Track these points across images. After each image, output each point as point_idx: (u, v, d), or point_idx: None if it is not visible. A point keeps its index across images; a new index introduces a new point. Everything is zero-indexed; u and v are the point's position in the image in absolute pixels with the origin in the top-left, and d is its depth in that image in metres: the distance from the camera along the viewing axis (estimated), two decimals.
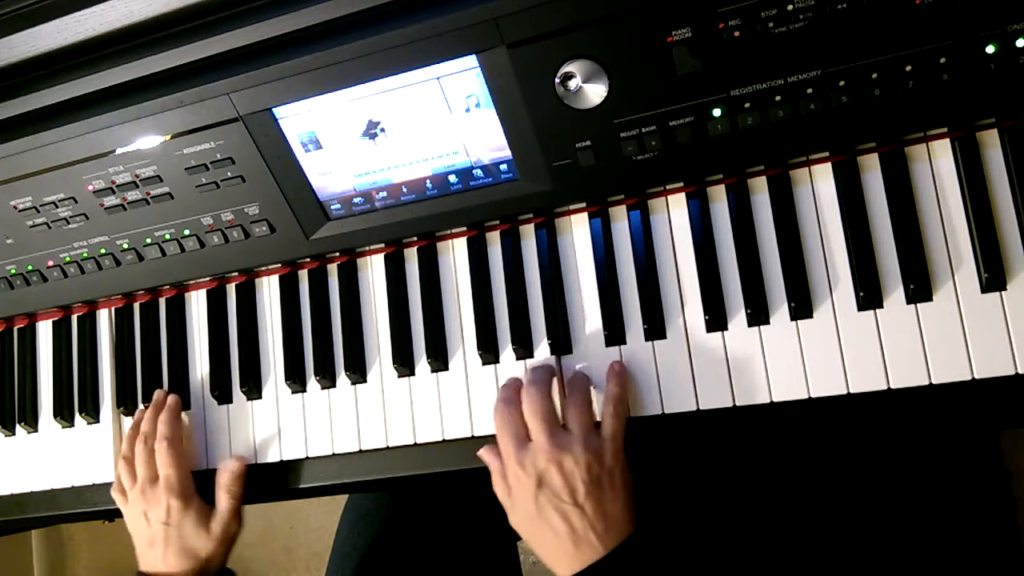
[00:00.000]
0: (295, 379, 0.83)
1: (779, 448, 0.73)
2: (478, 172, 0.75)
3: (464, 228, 0.80)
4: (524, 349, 0.76)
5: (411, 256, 0.82)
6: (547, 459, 0.66)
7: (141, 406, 0.88)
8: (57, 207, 0.82)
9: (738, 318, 0.71)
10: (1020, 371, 0.64)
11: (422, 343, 0.80)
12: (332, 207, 0.78)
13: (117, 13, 0.70)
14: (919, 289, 0.66)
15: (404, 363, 0.80)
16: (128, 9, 0.70)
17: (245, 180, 0.77)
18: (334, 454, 0.81)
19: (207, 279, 0.88)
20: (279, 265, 0.86)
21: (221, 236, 0.80)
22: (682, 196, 0.74)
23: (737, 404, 0.70)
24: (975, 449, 0.84)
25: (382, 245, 0.83)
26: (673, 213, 0.74)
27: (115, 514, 0.91)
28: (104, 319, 0.93)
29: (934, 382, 0.66)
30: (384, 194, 0.77)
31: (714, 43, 0.63)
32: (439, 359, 0.79)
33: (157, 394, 0.87)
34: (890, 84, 0.63)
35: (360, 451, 0.81)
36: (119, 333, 0.91)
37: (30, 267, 0.87)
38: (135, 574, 0.81)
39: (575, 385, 0.71)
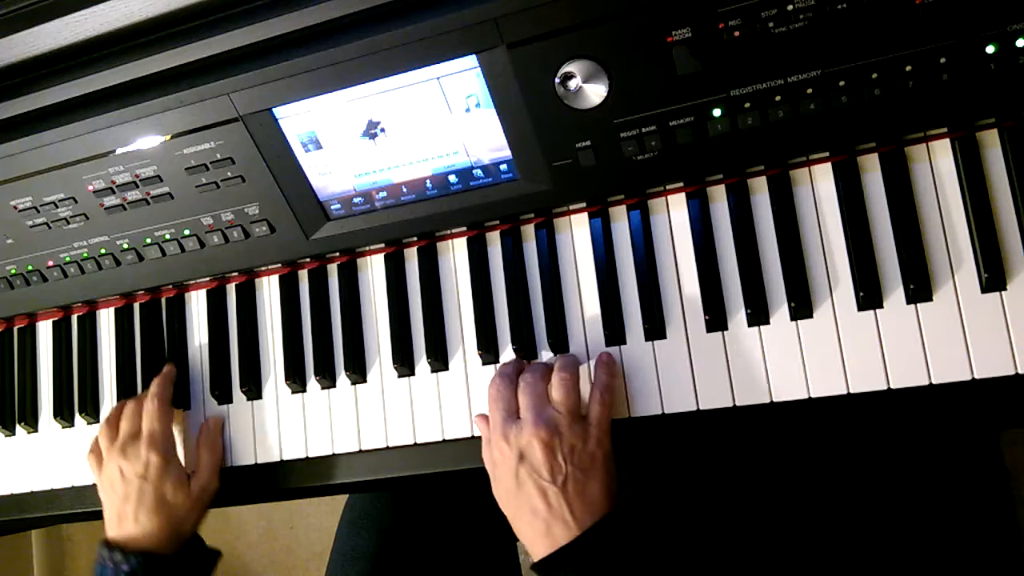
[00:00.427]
0: (295, 379, 0.83)
1: (779, 448, 0.73)
2: (478, 172, 0.75)
3: (464, 228, 0.80)
4: (524, 349, 0.76)
5: (411, 256, 0.82)
6: (531, 435, 0.66)
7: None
8: (57, 207, 0.82)
9: (738, 318, 0.71)
10: (1020, 371, 0.64)
11: (422, 343, 0.80)
12: (332, 207, 0.78)
13: (117, 13, 0.70)
14: (919, 289, 0.66)
15: (404, 363, 0.80)
16: (128, 9, 0.70)
17: (245, 180, 0.77)
18: (334, 454, 0.81)
19: (207, 279, 0.88)
20: (279, 265, 0.86)
21: (221, 236, 0.80)
22: (682, 196, 0.74)
23: (737, 404, 0.70)
24: (975, 449, 0.84)
25: (382, 245, 0.83)
26: (673, 213, 0.74)
27: None
28: (104, 319, 0.93)
29: (934, 382, 0.66)
30: (384, 194, 0.77)
31: (714, 43, 0.63)
32: (439, 359, 0.79)
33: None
34: (890, 84, 0.63)
35: (360, 451, 0.81)
36: (119, 333, 0.91)
37: (30, 267, 0.87)
38: (100, 541, 0.78)
39: (564, 367, 0.71)
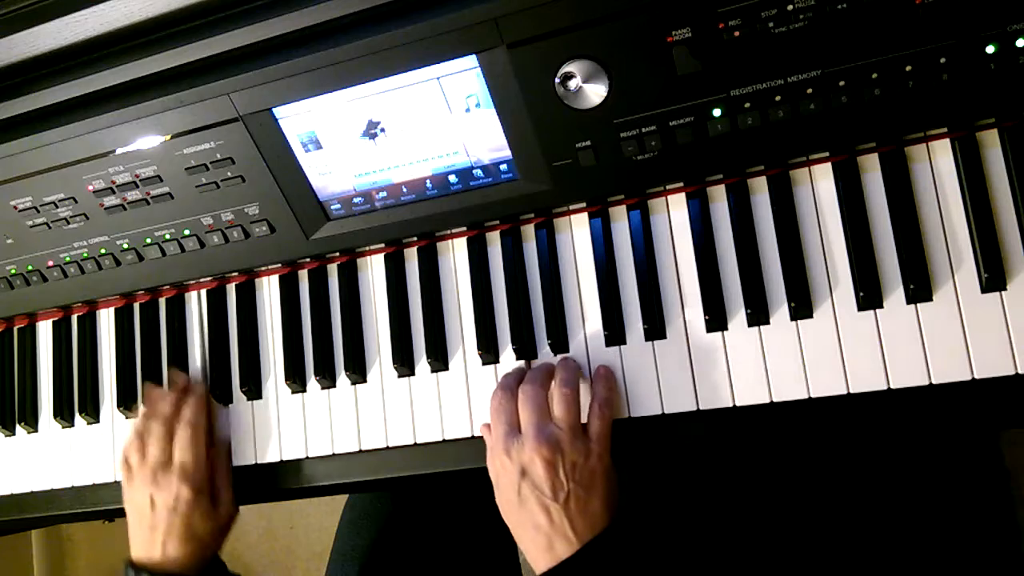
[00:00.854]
0: (295, 379, 0.83)
1: (779, 448, 0.73)
2: (478, 172, 0.75)
3: (464, 228, 0.80)
4: (524, 349, 0.76)
5: (411, 256, 0.82)
6: (533, 451, 0.66)
7: (151, 384, 0.87)
8: (57, 207, 0.82)
9: (738, 318, 0.71)
10: (1020, 371, 0.64)
11: (422, 343, 0.80)
12: (332, 207, 0.78)
13: (117, 13, 0.70)
14: (919, 289, 0.66)
15: (404, 363, 0.80)
16: (128, 9, 0.70)
17: (245, 180, 0.77)
18: (334, 454, 0.81)
19: (207, 279, 0.88)
20: (279, 265, 0.86)
21: (221, 236, 0.80)
22: (682, 196, 0.74)
23: (737, 404, 0.70)
24: (975, 449, 0.84)
25: (382, 245, 0.83)
26: (673, 213, 0.74)
27: (115, 514, 0.91)
28: (104, 319, 0.93)
29: (934, 382, 0.66)
30: (384, 194, 0.77)
31: (714, 43, 0.63)
32: (439, 359, 0.79)
33: (173, 374, 0.85)
34: (890, 84, 0.63)
35: (360, 451, 0.81)
36: (119, 333, 0.91)
37: (30, 267, 0.87)
38: (125, 562, 0.79)
39: (565, 382, 0.71)
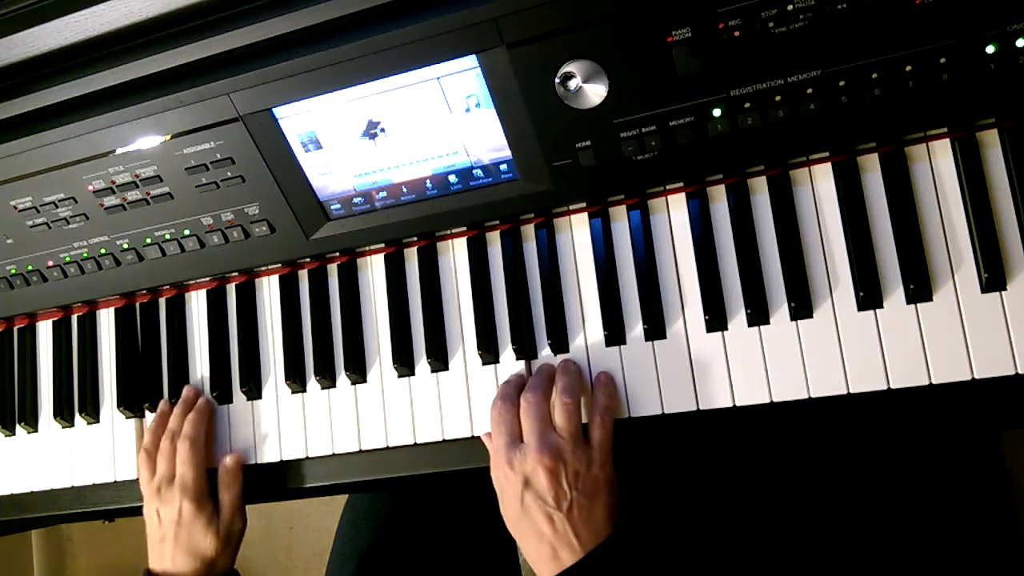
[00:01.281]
0: (295, 379, 0.83)
1: (779, 448, 0.73)
2: (478, 172, 0.75)
3: (464, 228, 0.80)
4: (524, 349, 0.76)
5: (411, 256, 0.82)
6: (535, 462, 0.67)
7: (165, 397, 0.88)
8: (57, 207, 0.82)
9: (738, 318, 0.71)
10: (1020, 371, 0.64)
11: (422, 343, 0.80)
12: (332, 207, 0.78)
13: (117, 13, 0.70)
14: (919, 289, 0.66)
15: (404, 363, 0.80)
16: (128, 9, 0.70)
17: (245, 180, 0.77)
18: (334, 454, 0.81)
19: (207, 279, 0.88)
20: (279, 265, 0.86)
21: (221, 236, 0.80)
22: (682, 196, 0.74)
23: (737, 404, 0.70)
24: (975, 449, 0.84)
25: (382, 245, 0.83)
26: (673, 213, 0.74)
27: (115, 514, 0.91)
28: (104, 319, 0.93)
29: (934, 382, 0.66)
30: (384, 194, 0.77)
31: (714, 43, 0.63)
32: (439, 359, 0.79)
33: (186, 390, 0.86)
34: (890, 84, 0.63)
35: (360, 451, 0.81)
36: (119, 333, 0.91)
37: (30, 267, 0.87)
38: (143, 572, 0.81)
39: (567, 391, 0.71)
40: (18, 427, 0.94)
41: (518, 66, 0.67)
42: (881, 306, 0.68)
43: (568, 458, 0.67)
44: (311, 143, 0.74)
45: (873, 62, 0.62)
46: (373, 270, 0.83)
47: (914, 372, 0.66)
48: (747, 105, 0.65)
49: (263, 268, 0.86)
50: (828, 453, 0.85)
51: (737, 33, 0.63)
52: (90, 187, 0.80)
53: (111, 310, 0.93)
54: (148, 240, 0.82)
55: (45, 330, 0.95)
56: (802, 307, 0.69)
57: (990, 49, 0.61)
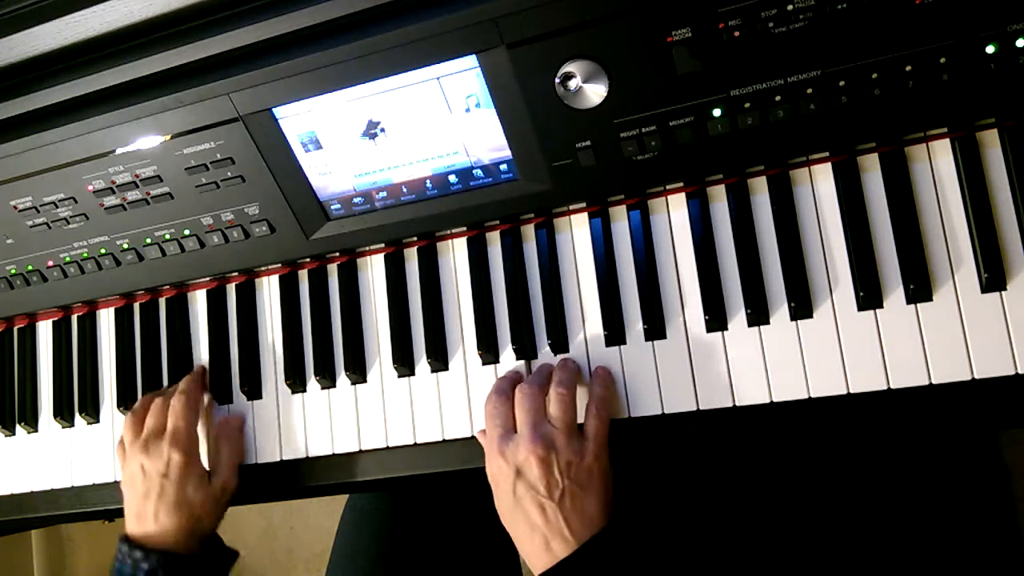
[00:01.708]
0: (295, 379, 0.83)
1: (779, 448, 0.73)
2: (478, 172, 0.75)
3: (464, 228, 0.80)
4: (524, 349, 0.76)
5: (411, 256, 0.82)
6: (528, 451, 0.66)
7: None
8: (57, 207, 0.82)
9: (738, 318, 0.71)
10: (1020, 371, 0.64)
11: (422, 343, 0.80)
12: (332, 207, 0.78)
13: (117, 13, 0.70)
14: (919, 289, 0.66)
15: (404, 363, 0.80)
16: (128, 9, 0.70)
17: (245, 180, 0.77)
18: (334, 454, 0.81)
19: (207, 279, 0.88)
20: (279, 265, 0.86)
21: (221, 236, 0.80)
22: (682, 196, 0.74)
23: (737, 404, 0.70)
24: (975, 449, 0.84)
25: (382, 245, 0.83)
26: (673, 213, 0.74)
27: (115, 514, 0.90)
28: (104, 319, 0.93)
29: (934, 382, 0.66)
30: (384, 194, 0.77)
31: (714, 43, 0.63)
32: (439, 359, 0.79)
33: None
34: (890, 84, 0.63)
35: (360, 451, 0.81)
36: (119, 333, 0.91)
37: (30, 267, 0.87)
38: (120, 537, 0.78)
39: (562, 383, 0.71)
40: (18, 427, 0.94)
41: (518, 66, 0.67)
42: (881, 306, 0.68)
43: (561, 448, 0.67)
44: (311, 143, 0.74)
45: (873, 62, 0.63)
46: (373, 270, 0.83)
47: (914, 372, 0.66)
48: (747, 105, 0.65)
49: (263, 268, 0.86)
50: (828, 453, 0.85)
51: (737, 33, 0.63)
52: (90, 187, 0.80)
53: (111, 310, 0.93)
54: (148, 240, 0.82)
55: (45, 330, 0.95)
56: (802, 307, 0.69)
57: (990, 49, 0.61)
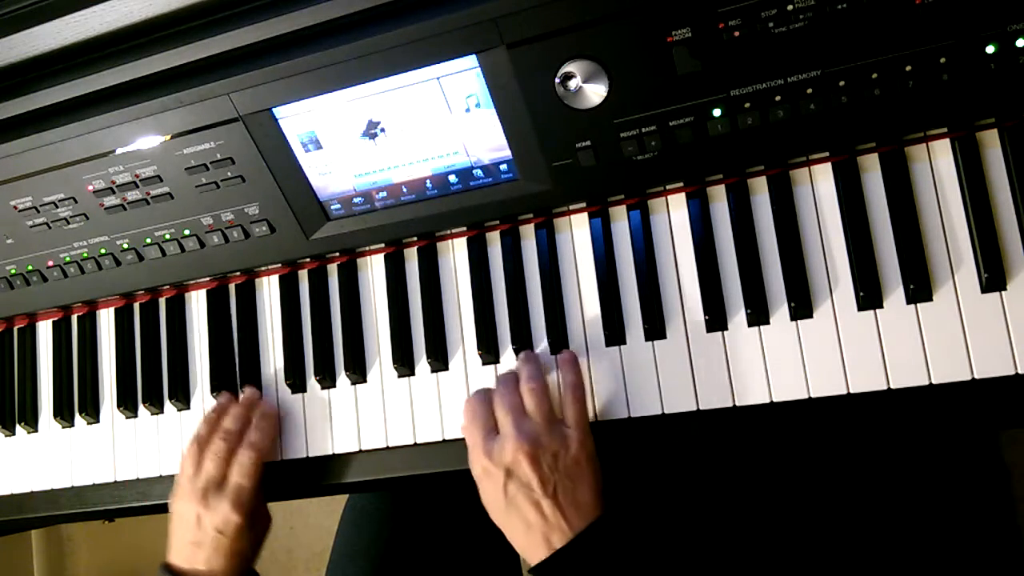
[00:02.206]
0: (295, 379, 0.83)
1: (779, 448, 0.73)
2: (478, 172, 0.75)
3: (464, 228, 0.80)
4: (524, 349, 0.76)
5: (411, 256, 0.82)
6: (514, 450, 0.66)
7: (226, 393, 0.84)
8: (57, 207, 0.82)
9: (738, 318, 0.71)
10: (1020, 371, 0.64)
11: (422, 343, 0.80)
12: (332, 207, 0.78)
13: (117, 13, 0.70)
14: (919, 289, 0.66)
15: (404, 363, 0.80)
16: (128, 9, 0.70)
17: (245, 180, 0.77)
18: (334, 454, 0.81)
19: (207, 279, 0.88)
20: (279, 265, 0.86)
21: (221, 236, 0.80)
22: (682, 196, 0.74)
23: (737, 404, 0.70)
24: (975, 449, 0.84)
25: (382, 245, 0.83)
26: (673, 213, 0.74)
27: (115, 514, 0.91)
28: (104, 319, 0.93)
29: (934, 382, 0.66)
30: (384, 194, 0.77)
31: (714, 43, 0.63)
32: (439, 359, 0.79)
33: (249, 391, 0.83)
34: (890, 84, 0.63)
35: (360, 451, 0.81)
36: (119, 333, 0.91)
37: (30, 267, 0.87)
38: (161, 565, 0.77)
39: (530, 377, 0.71)
40: (18, 427, 0.94)
41: (518, 66, 0.67)
42: (881, 306, 0.68)
43: (545, 441, 0.67)
44: (311, 143, 0.74)
45: (873, 62, 0.63)
46: (373, 270, 0.83)
47: (914, 372, 0.66)
48: (747, 105, 0.65)
49: (263, 268, 0.86)
50: (828, 453, 0.85)
51: (737, 33, 0.63)
52: (90, 187, 0.80)
53: (111, 310, 0.93)
54: (148, 240, 0.82)
55: (45, 330, 0.95)
56: (802, 307, 0.69)
57: (990, 49, 0.61)
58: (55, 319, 0.95)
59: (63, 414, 0.92)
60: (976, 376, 0.65)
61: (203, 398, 0.87)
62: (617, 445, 0.72)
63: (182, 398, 0.87)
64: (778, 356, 0.69)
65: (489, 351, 0.77)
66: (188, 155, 0.76)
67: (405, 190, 0.77)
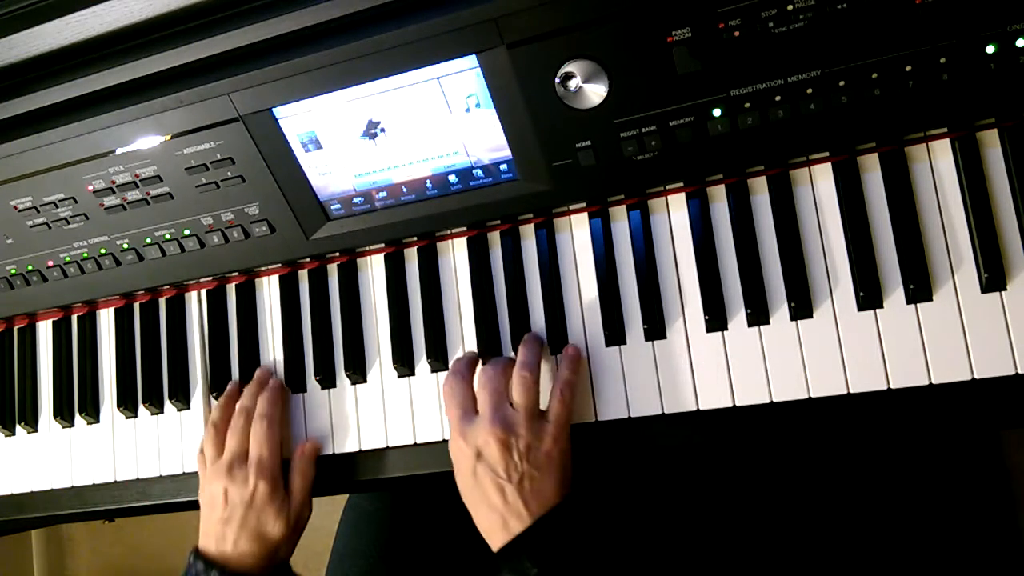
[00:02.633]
0: (295, 379, 0.83)
1: (779, 448, 0.73)
2: (478, 172, 0.75)
3: (464, 228, 0.80)
4: None
5: (411, 256, 0.82)
6: (488, 433, 0.67)
7: (236, 378, 0.85)
8: (57, 207, 0.82)
9: (738, 318, 0.71)
10: (1020, 371, 0.64)
11: (422, 343, 0.80)
12: (332, 207, 0.78)
13: (117, 13, 0.70)
14: (919, 289, 0.66)
15: (404, 363, 0.80)
16: (128, 9, 0.70)
17: (245, 180, 0.77)
18: (334, 454, 0.81)
19: (207, 279, 0.88)
20: (279, 265, 0.86)
21: (221, 236, 0.80)
22: (682, 196, 0.74)
23: (737, 404, 0.70)
24: (975, 449, 0.84)
25: (382, 245, 0.83)
26: (673, 213, 0.74)
27: (115, 514, 0.91)
28: (104, 319, 0.93)
29: (934, 382, 0.66)
30: (384, 194, 0.77)
31: (714, 43, 0.63)
32: (439, 359, 0.79)
33: (258, 371, 0.84)
34: (890, 84, 0.63)
35: (360, 451, 0.81)
36: (119, 333, 0.91)
37: (30, 267, 0.87)
38: (192, 549, 0.78)
39: (525, 365, 0.71)
40: (18, 427, 0.94)
41: (518, 66, 0.67)
42: (881, 306, 0.68)
43: (521, 431, 0.67)
44: (311, 143, 0.74)
45: (873, 62, 0.63)
46: (373, 270, 0.83)
47: (914, 372, 0.66)
48: (747, 105, 0.65)
49: (263, 268, 0.86)
50: (828, 453, 0.85)
51: (737, 33, 0.63)
52: (90, 187, 0.80)
53: (111, 310, 0.93)
54: (148, 240, 0.82)
55: (45, 330, 0.95)
56: (802, 307, 0.69)
57: (990, 49, 0.61)
58: (55, 319, 0.95)
59: (63, 414, 0.92)
60: (976, 376, 0.65)
61: (203, 398, 0.87)
62: (617, 445, 0.72)
63: (182, 398, 0.87)
64: (778, 356, 0.69)
65: (490, 351, 0.77)
66: (188, 155, 0.76)
67: (405, 190, 0.77)
